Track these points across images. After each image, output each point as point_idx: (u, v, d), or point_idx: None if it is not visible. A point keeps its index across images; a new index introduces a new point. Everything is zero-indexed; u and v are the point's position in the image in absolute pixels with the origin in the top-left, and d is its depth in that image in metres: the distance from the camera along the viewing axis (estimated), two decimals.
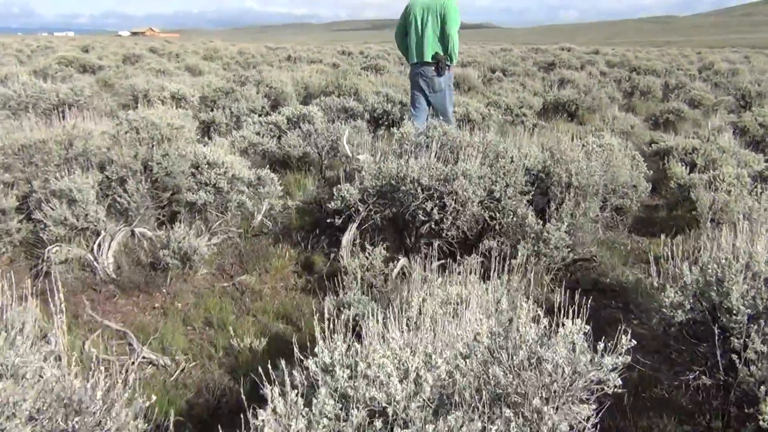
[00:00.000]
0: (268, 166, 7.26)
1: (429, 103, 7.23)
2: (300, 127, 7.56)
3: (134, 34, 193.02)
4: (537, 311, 2.17)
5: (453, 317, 2.44)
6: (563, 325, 2.10)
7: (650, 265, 5.06)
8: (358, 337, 2.36)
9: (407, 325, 2.35)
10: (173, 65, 17.85)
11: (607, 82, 16.10)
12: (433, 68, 6.90)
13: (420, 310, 2.51)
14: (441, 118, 6.88)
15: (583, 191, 4.47)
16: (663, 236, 5.31)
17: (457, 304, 2.70)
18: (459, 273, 3.16)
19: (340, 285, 3.85)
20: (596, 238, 4.83)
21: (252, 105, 9.38)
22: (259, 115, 9.58)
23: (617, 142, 6.05)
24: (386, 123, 8.46)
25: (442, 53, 6.86)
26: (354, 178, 4.92)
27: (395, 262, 4.33)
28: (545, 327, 2.17)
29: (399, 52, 7.55)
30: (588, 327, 2.18)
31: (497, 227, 4.31)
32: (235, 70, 18.88)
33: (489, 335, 2.14)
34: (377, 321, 2.24)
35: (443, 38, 6.87)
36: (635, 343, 2.22)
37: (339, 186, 4.59)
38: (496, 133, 9.15)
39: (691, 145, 6.95)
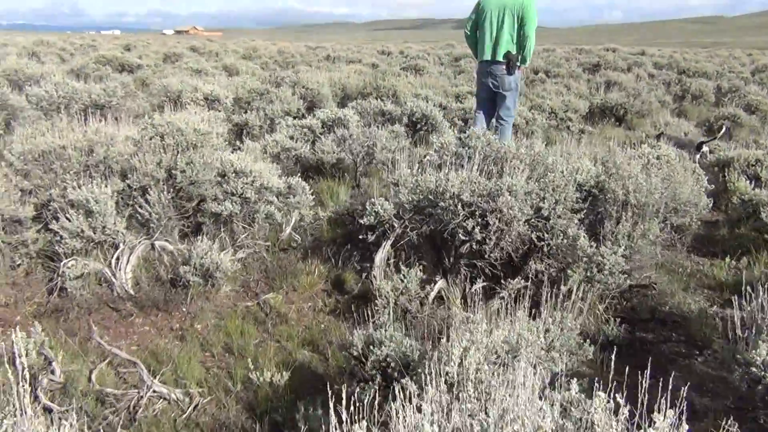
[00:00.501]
0: (300, 172, 6.98)
1: (494, 103, 7.07)
2: (335, 132, 7.26)
3: (178, 32, 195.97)
4: (614, 398, 1.76)
5: (501, 372, 2.06)
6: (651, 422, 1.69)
7: (715, 291, 4.66)
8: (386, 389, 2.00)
9: (446, 382, 1.98)
10: (211, 64, 17.74)
11: (656, 85, 15.46)
12: (504, 67, 6.71)
13: (461, 360, 2.14)
14: (502, 117, 6.92)
15: (642, 210, 4.04)
16: (728, 259, 4.91)
17: (506, 353, 2.33)
18: (506, 308, 2.79)
19: (372, 311, 3.51)
20: (656, 262, 4.39)
21: (287, 107, 9.10)
22: (294, 118, 9.30)
23: (674, 153, 5.59)
24: (425, 128, 8.09)
25: (514, 52, 6.69)
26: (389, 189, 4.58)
27: (432, 284, 3.97)
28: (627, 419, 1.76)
29: (468, 49, 7.38)
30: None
31: (545, 249, 3.90)
32: (272, 70, 18.72)
33: None
34: (408, 400, 1.84)
35: (520, 38, 6.69)
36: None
37: (372, 200, 4.23)
38: (540, 139, 8.73)
39: (755, 156, 6.42)
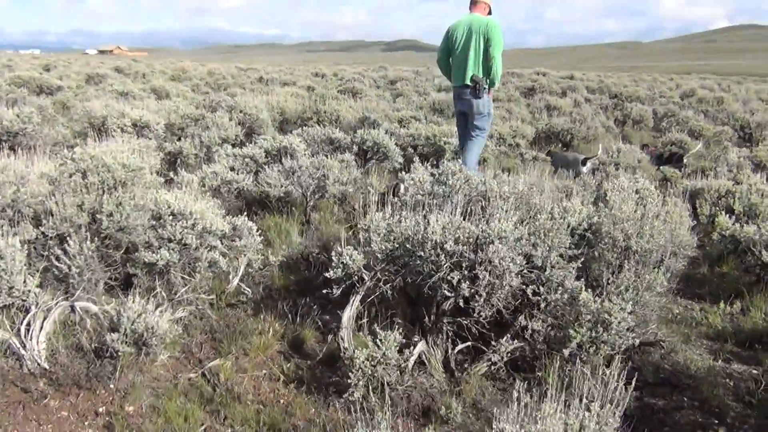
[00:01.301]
0: (243, 207, 6.32)
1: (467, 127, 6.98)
2: (281, 162, 6.64)
3: (101, 52, 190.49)
4: None
5: None
6: None
7: (715, 342, 4.26)
8: None
9: None
10: (138, 86, 16.76)
11: (595, 110, 15.46)
12: (470, 90, 6.65)
13: None
14: (472, 135, 6.88)
15: (645, 257, 3.60)
16: (722, 304, 4.53)
17: None
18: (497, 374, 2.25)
19: (342, 380, 2.91)
20: (663, 315, 3.96)
21: (224, 134, 8.41)
22: (233, 146, 8.61)
23: (653, 187, 5.23)
24: (377, 157, 7.55)
25: (481, 75, 6.61)
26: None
27: (411, 348, 3.39)
28: None
29: (441, 73, 7.42)
30: None
31: (541, 305, 3.39)
32: (204, 93, 17.90)
33: None
34: None
35: (486, 60, 6.62)
36: None
37: (339, 250, 3.63)
38: (493, 167, 8.33)
39: (725, 187, 6.16)
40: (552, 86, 22.67)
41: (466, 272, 3.35)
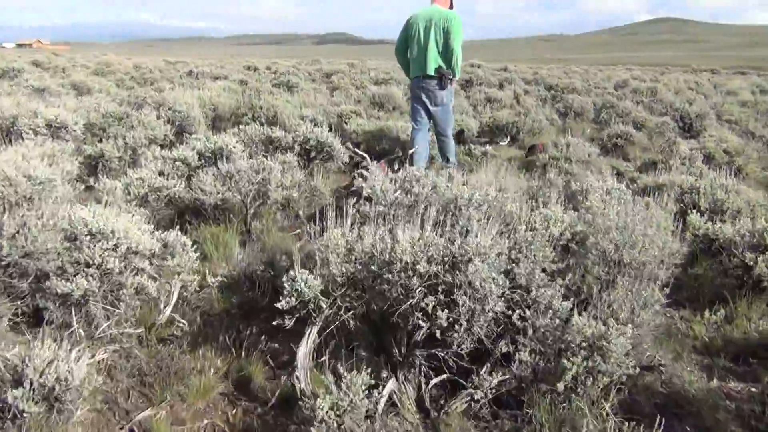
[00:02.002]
0: (174, 216, 5.68)
1: (430, 117, 7.16)
2: (216, 165, 6.02)
3: (20, 46, 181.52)
4: None
5: None
6: None
7: (704, 356, 3.93)
8: None
9: None
10: (57, 82, 15.63)
11: (536, 103, 15.26)
12: (436, 82, 6.80)
13: None
14: (441, 133, 7.08)
15: (639, 270, 3.21)
16: (707, 313, 4.20)
17: None
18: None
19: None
20: (659, 336, 3.59)
21: (152, 133, 7.69)
22: (162, 146, 7.91)
23: (622, 186, 4.89)
24: (321, 156, 7.01)
25: (444, 67, 6.75)
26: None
27: (381, 387, 2.90)
28: None
29: (399, 66, 7.63)
30: None
31: (527, 330, 2.95)
32: (130, 88, 16.88)
33: None
34: None
35: (446, 52, 6.76)
36: None
37: (292, 274, 3.09)
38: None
39: (688, 183, 5.89)
40: (489, 78, 22.50)
41: (442, 297, 2.88)
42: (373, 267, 2.99)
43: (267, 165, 5.86)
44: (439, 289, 2.88)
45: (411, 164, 7.56)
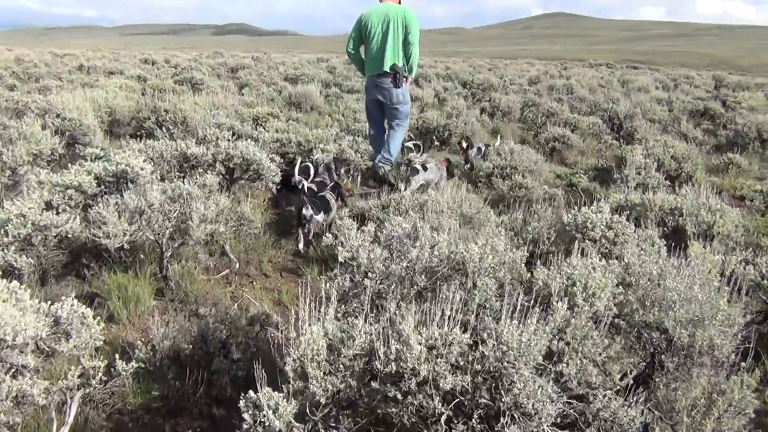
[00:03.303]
0: (67, 261, 4.53)
1: (384, 117, 6.95)
2: (120, 191, 4.90)
3: None
4: None
5: None
6: None
7: None
8: None
9: None
10: None
11: (465, 103, 14.62)
12: (390, 79, 6.53)
13: None
14: (393, 126, 6.84)
15: (715, 354, 2.44)
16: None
17: None
18: None
19: None
20: None
21: (36, 148, 6.39)
22: (50, 163, 6.63)
23: (624, 219, 4.15)
24: (247, 176, 5.95)
25: (400, 64, 6.51)
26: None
27: None
28: None
29: (354, 65, 7.21)
30: None
31: None
32: (9, 86, 14.95)
33: None
34: None
35: (405, 49, 6.53)
36: None
37: (255, 396, 2.10)
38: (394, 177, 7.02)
39: (669, 203, 5.27)
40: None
41: (477, 425, 2.00)
42: (373, 383, 2.06)
43: (184, 191, 4.79)
44: (474, 415, 2.00)
45: (371, 162, 7.02)
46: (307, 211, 5.45)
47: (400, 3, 6.78)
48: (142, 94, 13.31)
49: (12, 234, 4.27)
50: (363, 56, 6.95)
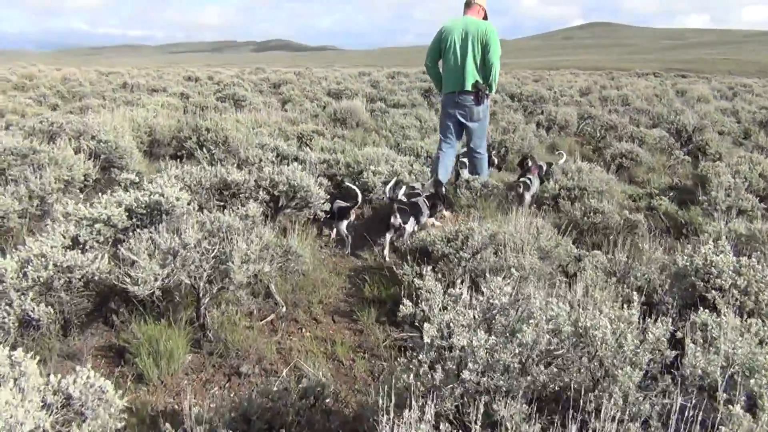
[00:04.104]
0: (94, 306, 4.00)
1: (460, 135, 7.02)
2: (153, 224, 4.37)
3: None
4: None
5: None
6: None
7: None
8: None
9: None
10: None
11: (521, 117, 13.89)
12: (473, 97, 6.51)
13: None
14: (475, 149, 6.86)
15: None
16: None
17: None
18: None
19: None
20: None
21: (68, 174, 5.94)
22: (83, 190, 6.17)
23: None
24: (295, 204, 5.37)
25: (481, 81, 6.45)
26: None
27: None
28: None
29: (430, 80, 7.62)
30: None
31: None
32: (53, 106, 14.80)
33: None
34: None
35: (484, 65, 6.45)
36: None
37: None
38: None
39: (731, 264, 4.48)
40: None
41: None
42: None
43: (224, 224, 4.22)
44: None
45: (433, 176, 6.86)
46: (396, 220, 5.38)
47: (485, 18, 6.65)
48: (184, 112, 12.95)
49: (32, 277, 3.75)
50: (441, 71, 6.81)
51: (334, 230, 5.78)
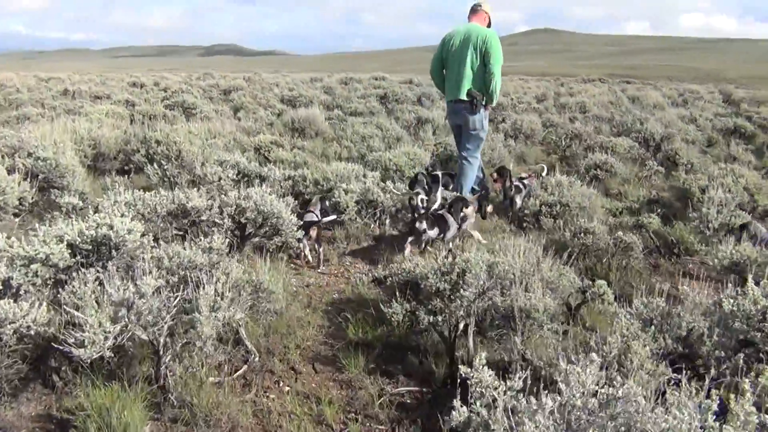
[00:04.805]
0: (28, 368, 3.36)
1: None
2: (101, 260, 3.76)
3: None
4: None
5: None
6: None
7: None
8: None
9: None
10: None
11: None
12: (465, 105, 6.38)
13: None
14: (465, 156, 6.69)
15: None
16: None
17: None
18: None
19: None
20: None
21: (1, 198, 5.21)
22: (17, 215, 5.46)
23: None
24: (265, 232, 4.77)
25: (477, 90, 6.29)
26: None
27: None
28: None
29: (435, 87, 7.26)
30: None
31: None
32: None
33: None
34: None
35: (483, 74, 6.25)
36: None
37: None
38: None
39: None
40: (407, 94, 20.69)
41: None
42: None
43: (185, 259, 3.62)
44: None
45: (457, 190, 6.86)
46: (421, 225, 5.48)
47: (489, 26, 6.46)
48: (131, 122, 12.14)
49: None
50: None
51: (307, 248, 5.36)
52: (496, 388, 1.73)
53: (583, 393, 1.63)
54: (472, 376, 1.77)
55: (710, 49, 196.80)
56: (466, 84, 6.33)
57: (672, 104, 23.01)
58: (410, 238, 5.62)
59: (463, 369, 1.79)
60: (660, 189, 8.76)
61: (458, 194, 6.52)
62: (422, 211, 5.60)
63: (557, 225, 6.39)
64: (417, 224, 5.52)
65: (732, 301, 2.88)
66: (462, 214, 5.99)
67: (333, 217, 5.62)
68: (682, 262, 5.94)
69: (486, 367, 1.74)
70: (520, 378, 1.72)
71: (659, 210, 7.17)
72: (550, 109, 19.24)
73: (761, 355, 2.73)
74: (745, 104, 23.11)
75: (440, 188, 6.38)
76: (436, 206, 5.83)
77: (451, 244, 5.50)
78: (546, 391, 1.62)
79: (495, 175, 8.09)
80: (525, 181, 7.41)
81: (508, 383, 1.73)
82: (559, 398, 1.64)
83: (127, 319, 3.01)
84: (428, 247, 5.63)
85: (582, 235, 5.72)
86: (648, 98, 22.48)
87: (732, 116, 16.93)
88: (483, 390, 1.73)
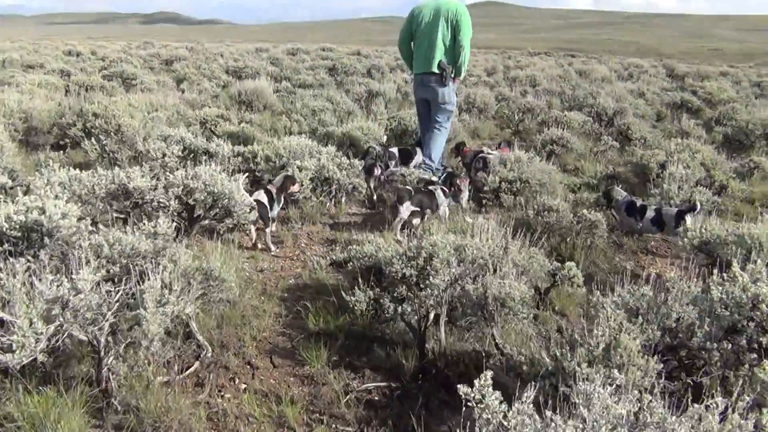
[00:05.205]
0: None
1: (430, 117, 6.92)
2: (33, 247, 3.38)
3: None
4: None
5: None
6: None
7: None
8: None
9: None
10: None
11: None
12: (436, 77, 6.41)
13: None
14: (435, 127, 6.69)
15: None
16: None
17: None
18: None
19: None
20: None
21: None
22: None
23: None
24: (215, 214, 4.42)
25: (447, 63, 6.34)
26: None
27: None
28: None
29: (402, 59, 7.36)
30: None
31: None
32: None
33: None
34: None
35: (453, 47, 6.32)
36: None
37: None
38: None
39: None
40: (356, 66, 20.24)
41: None
42: None
43: (128, 246, 3.28)
44: None
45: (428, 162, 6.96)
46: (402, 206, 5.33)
47: None
48: (66, 93, 11.44)
49: None
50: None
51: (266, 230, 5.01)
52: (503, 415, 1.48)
53: (608, 421, 1.41)
54: (473, 397, 1.51)
55: (648, 24, 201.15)
56: (438, 56, 6.36)
57: (619, 78, 23.21)
58: (398, 217, 5.38)
59: (462, 390, 1.53)
60: (616, 164, 8.71)
61: (435, 166, 6.84)
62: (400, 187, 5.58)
63: (518, 202, 6.22)
64: (399, 205, 5.37)
65: (721, 288, 2.73)
66: (456, 188, 5.96)
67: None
68: (644, 239, 5.86)
69: (491, 387, 1.49)
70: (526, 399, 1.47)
71: (619, 186, 7.07)
72: (500, 82, 19.15)
73: (752, 345, 2.59)
74: (690, 79, 23.44)
75: (411, 161, 6.72)
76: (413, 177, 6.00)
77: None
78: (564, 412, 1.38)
79: (455, 150, 7.88)
80: (496, 152, 7.24)
81: (516, 405, 1.48)
82: (580, 425, 1.41)
83: (62, 318, 2.67)
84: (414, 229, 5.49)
85: (545, 213, 5.56)
86: (595, 72, 22.59)
87: (678, 90, 17.14)
88: (490, 416, 1.49)
